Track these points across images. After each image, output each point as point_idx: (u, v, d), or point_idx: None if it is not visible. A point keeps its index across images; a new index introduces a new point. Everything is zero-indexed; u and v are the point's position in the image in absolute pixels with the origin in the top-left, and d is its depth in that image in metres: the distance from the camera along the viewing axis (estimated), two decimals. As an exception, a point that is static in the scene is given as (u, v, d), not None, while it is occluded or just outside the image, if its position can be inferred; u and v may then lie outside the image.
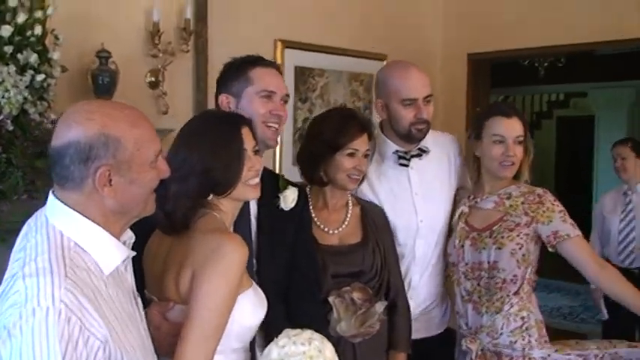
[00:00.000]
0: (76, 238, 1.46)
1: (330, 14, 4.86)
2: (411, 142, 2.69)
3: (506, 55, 5.67)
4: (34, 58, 2.98)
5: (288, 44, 4.55)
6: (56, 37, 3.15)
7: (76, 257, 1.43)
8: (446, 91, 5.23)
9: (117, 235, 1.53)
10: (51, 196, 1.51)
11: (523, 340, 2.55)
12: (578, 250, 2.57)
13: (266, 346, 1.74)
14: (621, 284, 2.63)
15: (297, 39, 4.60)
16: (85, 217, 1.47)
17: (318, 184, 2.39)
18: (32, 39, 3.02)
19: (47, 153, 2.94)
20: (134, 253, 1.60)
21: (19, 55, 2.95)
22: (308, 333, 1.72)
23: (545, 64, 7.18)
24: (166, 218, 1.66)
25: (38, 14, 3.06)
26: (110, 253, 1.50)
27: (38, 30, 3.03)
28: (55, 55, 3.09)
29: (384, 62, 5.20)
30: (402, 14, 5.48)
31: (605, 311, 4.27)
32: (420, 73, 2.68)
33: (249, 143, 1.82)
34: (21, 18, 2.98)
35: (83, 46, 3.45)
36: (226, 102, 2.15)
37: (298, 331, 1.72)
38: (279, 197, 2.12)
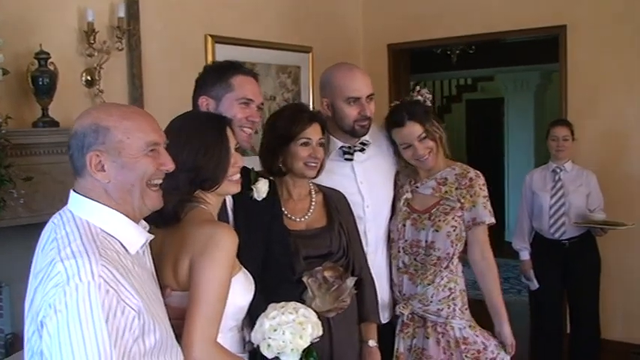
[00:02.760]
0: (101, 225, 1.61)
1: (257, 9, 4.99)
2: (354, 137, 2.88)
3: (424, 45, 5.97)
4: (-24, 62, 2.99)
5: (218, 39, 4.65)
6: (-4, 41, 3.15)
7: (104, 241, 1.58)
8: (369, 80, 5.44)
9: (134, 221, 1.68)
10: (72, 193, 1.65)
11: (448, 308, 2.87)
12: (480, 235, 2.90)
13: (250, 324, 1.90)
14: (489, 277, 2.90)
15: (227, 34, 4.70)
16: (102, 204, 1.62)
17: (278, 175, 2.53)
18: (-27, 43, 3.03)
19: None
20: (152, 237, 1.74)
21: (-41, 60, 2.96)
22: (292, 304, 1.91)
23: (457, 52, 7.52)
24: (157, 212, 1.76)
25: (-23, 19, 3.06)
26: (132, 235, 1.66)
27: (-21, 34, 3.04)
28: (-1, 59, 3.10)
29: (310, 54, 5.39)
30: (326, 7, 5.67)
31: (535, 281, 4.57)
32: (363, 74, 2.88)
33: (232, 142, 1.97)
34: (-39, 23, 2.99)
35: (20, 48, 3.45)
36: (205, 104, 2.26)
37: (283, 303, 1.91)
38: (252, 189, 2.26)
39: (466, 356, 2.84)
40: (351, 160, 2.89)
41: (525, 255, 4.64)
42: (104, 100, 3.79)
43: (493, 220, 2.91)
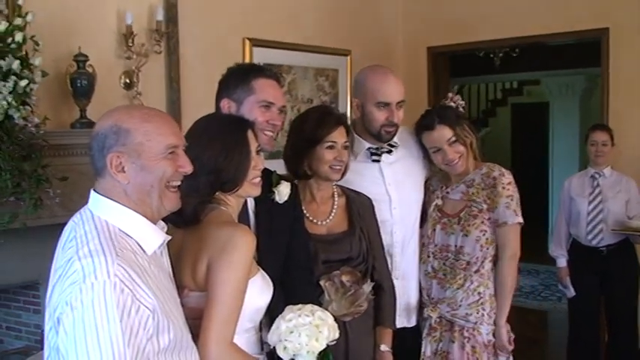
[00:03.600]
0: (120, 225, 1.65)
1: (295, 12, 5.02)
2: (380, 142, 2.89)
3: (463, 47, 5.92)
4: (16, 64, 3.07)
5: (256, 42, 4.69)
6: (36, 43, 3.23)
7: (121, 241, 1.62)
8: (408, 83, 5.41)
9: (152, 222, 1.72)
10: (92, 192, 1.70)
11: (477, 313, 2.86)
12: (506, 236, 2.86)
13: (269, 325, 1.93)
14: (510, 280, 2.88)
15: (265, 37, 4.74)
16: (122, 204, 1.66)
17: (303, 178, 2.55)
18: (13, 45, 3.11)
19: (32, 156, 3.09)
20: (169, 237, 1.77)
21: (1, 62, 3.05)
22: (309, 306, 1.93)
23: (501, 55, 7.43)
24: (177, 213, 1.80)
25: (18, 21, 3.15)
26: (150, 235, 1.69)
27: (19, 37, 3.12)
28: (37, 61, 3.18)
29: (348, 57, 5.40)
30: (364, 11, 5.66)
31: (572, 289, 4.51)
32: (396, 80, 2.88)
33: (253, 144, 2.00)
34: (2, 26, 3.07)
35: (59, 50, 3.54)
36: (227, 106, 2.28)
37: (300, 305, 1.92)
38: (273, 192, 2.28)
39: (492, 358, 2.85)
40: (378, 161, 2.90)
41: (562, 262, 4.58)
42: (142, 102, 3.86)
43: (518, 221, 2.85)
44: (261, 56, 4.68)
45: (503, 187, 2.85)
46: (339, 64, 5.39)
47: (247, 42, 4.65)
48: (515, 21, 5.45)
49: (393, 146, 2.91)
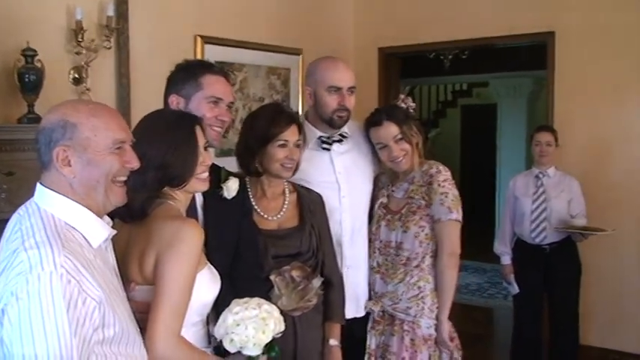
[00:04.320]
0: (66, 218, 1.65)
1: (247, 10, 5.04)
2: (333, 128, 2.94)
3: (414, 49, 6.01)
4: (-38, 58, 3.03)
5: (208, 40, 4.69)
6: (-17, 38, 3.19)
7: (67, 233, 1.63)
8: (359, 83, 5.45)
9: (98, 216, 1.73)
10: (38, 185, 1.70)
11: (417, 306, 2.92)
12: (443, 233, 2.91)
13: (216, 319, 1.95)
14: (449, 276, 2.92)
15: (217, 34, 4.75)
16: (68, 197, 1.66)
17: (255, 175, 2.58)
18: (-41, 39, 3.07)
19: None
20: (115, 232, 1.78)
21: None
22: (256, 299, 1.96)
23: (450, 57, 7.55)
24: (125, 207, 1.81)
25: (-36, 15, 3.10)
26: (96, 229, 1.70)
27: (-35, 30, 3.08)
28: (-16, 56, 3.15)
29: (300, 56, 5.44)
30: (317, 10, 5.72)
31: (516, 285, 4.61)
32: (346, 66, 2.96)
33: (201, 140, 2.01)
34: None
35: (7, 45, 3.50)
36: (176, 102, 2.30)
37: (247, 299, 1.95)
38: (222, 187, 2.31)
39: (432, 352, 2.91)
40: (328, 150, 2.95)
41: (507, 260, 4.68)
42: (91, 98, 3.82)
43: (453, 217, 2.89)
44: (213, 54, 4.69)
45: (439, 185, 2.91)
46: (291, 63, 5.43)
47: (199, 39, 4.65)
48: (465, 23, 5.58)
49: (343, 136, 2.97)
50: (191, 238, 1.85)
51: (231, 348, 1.90)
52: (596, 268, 4.84)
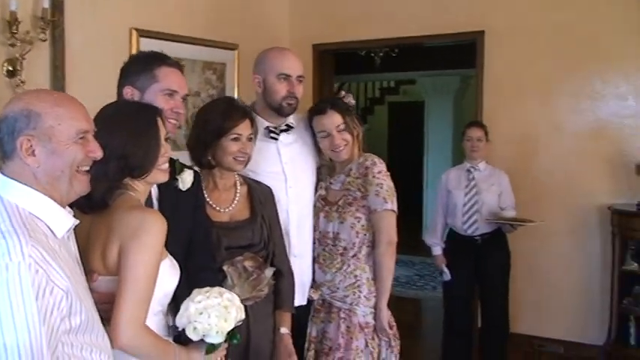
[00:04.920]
0: (30, 208, 1.64)
1: (183, 4, 5.01)
2: (281, 116, 2.99)
3: (347, 46, 6.10)
4: None
5: (143, 33, 4.64)
6: None
7: (32, 223, 1.62)
8: (294, 80, 5.55)
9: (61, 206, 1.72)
10: (0, 176, 1.68)
11: (354, 295, 3.01)
12: (379, 223, 3.01)
13: (174, 310, 1.98)
14: (386, 265, 3.01)
15: (153, 28, 4.70)
16: (31, 187, 1.65)
17: (207, 167, 2.60)
18: None
19: None
20: (78, 221, 1.77)
21: None
22: (217, 288, 1.99)
23: (381, 54, 7.71)
24: (85, 198, 1.81)
25: None
26: (60, 218, 1.70)
27: None
28: None
29: (236, 52, 5.45)
30: (252, 6, 5.74)
31: (448, 273, 4.74)
32: (296, 56, 3.04)
33: (162, 132, 2.03)
34: None
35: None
36: (130, 94, 2.29)
37: (208, 288, 1.98)
38: (177, 179, 2.32)
39: (370, 340, 2.98)
40: (276, 139, 2.99)
41: (438, 250, 4.80)
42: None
43: (389, 208, 2.98)
44: (149, 47, 4.51)
45: (374, 176, 2.99)
46: (226, 58, 5.43)
47: (134, 32, 4.60)
48: (397, 22, 5.70)
49: (290, 126, 3.02)
50: (155, 228, 1.87)
51: (194, 336, 1.92)
52: (525, 259, 5.04)
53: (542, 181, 5.20)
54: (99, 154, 1.75)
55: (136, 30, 4.60)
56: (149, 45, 4.61)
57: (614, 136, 5.00)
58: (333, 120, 3.01)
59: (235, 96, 5.31)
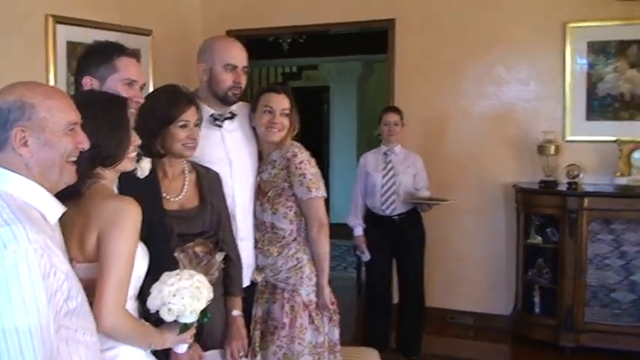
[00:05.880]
0: (24, 197, 1.68)
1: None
2: (225, 105, 3.05)
3: (260, 32, 6.19)
4: None
5: (59, 19, 4.57)
6: None
7: (29, 211, 1.66)
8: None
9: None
10: None
11: (296, 276, 3.14)
12: (308, 210, 3.14)
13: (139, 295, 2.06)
14: (322, 246, 3.15)
15: (68, 14, 4.63)
16: (24, 176, 1.69)
17: (157, 156, 2.62)
18: None
19: None
20: (65, 209, 1.81)
21: None
22: (187, 271, 2.08)
23: (289, 40, 7.81)
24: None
25: None
26: (52, 206, 1.74)
27: None
28: None
29: (150, 37, 5.42)
30: (165, -8, 5.72)
31: (367, 253, 4.92)
32: (242, 47, 3.07)
33: (131, 121, 2.08)
34: None
35: None
36: (90, 84, 2.31)
37: (178, 271, 2.07)
38: (136, 167, 2.35)
39: (315, 316, 3.13)
40: (220, 126, 3.05)
41: (359, 231, 4.98)
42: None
43: (313, 195, 3.08)
44: (65, 34, 4.60)
45: (296, 167, 3.10)
46: (140, 43, 5.38)
47: (50, 18, 4.51)
48: (308, 9, 5.84)
49: (234, 114, 3.09)
50: (133, 215, 1.93)
51: (168, 317, 2.00)
52: (437, 236, 5.30)
53: (452, 163, 5.50)
54: (86, 144, 1.80)
55: (52, 16, 4.51)
56: (65, 31, 4.58)
57: (518, 119, 5.35)
58: (283, 102, 3.12)
59: (151, 81, 5.31)
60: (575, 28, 5.16)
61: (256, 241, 3.19)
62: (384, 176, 4.86)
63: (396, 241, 4.88)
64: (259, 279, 3.17)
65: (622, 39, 5.08)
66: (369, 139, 5.06)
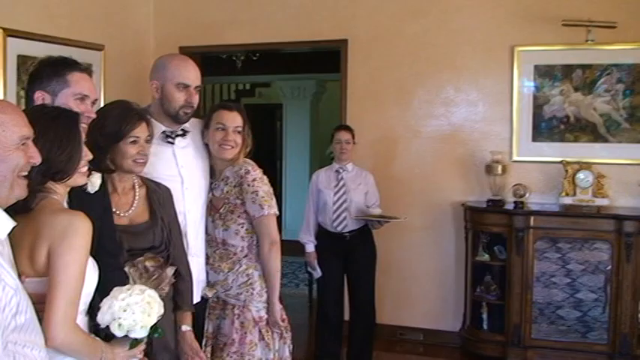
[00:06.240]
0: None
1: (51, 4, 4.91)
2: (177, 123, 3.06)
3: (214, 49, 6.22)
4: None
5: (10, 32, 4.51)
6: None
7: None
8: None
9: None
10: None
11: (247, 292, 3.16)
12: (260, 227, 3.16)
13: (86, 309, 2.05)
14: (273, 263, 3.16)
15: (20, 27, 4.58)
16: None
17: (107, 172, 2.61)
18: None
19: None
20: (15, 224, 1.80)
21: None
22: (138, 286, 2.08)
23: (242, 58, 7.84)
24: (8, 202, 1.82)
25: None
26: (1, 220, 1.74)
27: None
28: None
29: (102, 52, 5.39)
30: (118, 7, 5.70)
31: (319, 270, 4.96)
32: (195, 66, 3.08)
33: (82, 136, 2.08)
34: None
35: None
36: (42, 98, 2.31)
37: (129, 286, 2.07)
38: (86, 182, 2.34)
39: (265, 332, 3.14)
40: (172, 143, 3.06)
41: (311, 247, 5.01)
42: None
43: (265, 213, 3.11)
44: (16, 47, 4.55)
45: (248, 184, 3.13)
46: (93, 58, 5.33)
47: (1, 31, 4.46)
48: (262, 28, 5.91)
49: (185, 131, 3.10)
50: (83, 229, 1.93)
51: (119, 332, 2.00)
52: (387, 253, 5.39)
53: (402, 181, 5.60)
54: (38, 159, 1.80)
55: (3, 29, 4.46)
56: (16, 45, 4.52)
57: (466, 139, 5.48)
58: (236, 119, 3.15)
59: (102, 96, 5.27)
60: (522, 52, 5.32)
61: (208, 257, 3.20)
62: (335, 193, 4.91)
63: (347, 257, 4.93)
64: (210, 295, 3.18)
65: (568, 63, 5.26)
66: (322, 157, 5.11)
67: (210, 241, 3.20)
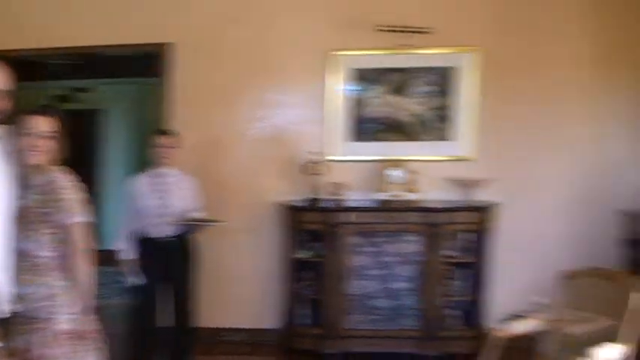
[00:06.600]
0: None
1: None
2: None
3: (25, 53, 5.95)
4: None
5: None
6: None
7: None
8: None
9: None
10: None
11: (55, 305, 3.06)
12: (70, 235, 3.10)
13: None
14: (83, 272, 3.11)
15: None
16: None
17: None
18: None
19: None
20: None
21: None
22: None
23: (59, 62, 7.55)
24: None
25: None
26: None
27: None
28: None
29: None
30: None
31: (135, 277, 4.85)
32: (2, 69, 2.91)
33: None
34: None
35: None
36: None
37: None
38: None
39: (75, 345, 3.08)
40: None
41: (129, 254, 4.91)
42: None
43: (76, 220, 3.07)
44: None
45: (58, 192, 3.07)
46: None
47: None
48: (75, 31, 5.80)
49: None
50: None
51: None
52: (211, 256, 5.41)
53: (226, 184, 5.71)
54: None
55: None
56: None
57: (287, 141, 5.69)
58: (44, 124, 3.06)
59: None
60: (338, 56, 5.60)
61: (15, 270, 3.06)
62: (158, 198, 4.88)
63: (169, 263, 4.89)
64: (15, 309, 3.05)
65: (383, 67, 5.61)
66: (144, 162, 5.02)
67: (18, 253, 3.04)
